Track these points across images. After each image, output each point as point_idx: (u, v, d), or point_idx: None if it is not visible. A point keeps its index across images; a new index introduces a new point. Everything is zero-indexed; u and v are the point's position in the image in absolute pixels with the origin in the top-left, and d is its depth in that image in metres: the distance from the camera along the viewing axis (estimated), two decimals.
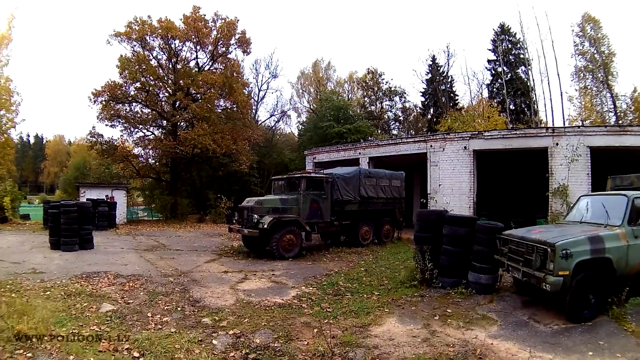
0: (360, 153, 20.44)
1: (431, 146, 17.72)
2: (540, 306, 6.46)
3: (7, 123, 25.63)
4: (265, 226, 11.21)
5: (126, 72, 24.59)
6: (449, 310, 6.37)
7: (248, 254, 12.43)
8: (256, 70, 43.18)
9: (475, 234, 7.59)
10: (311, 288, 8.02)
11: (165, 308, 6.37)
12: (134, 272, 9.24)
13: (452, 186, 17.00)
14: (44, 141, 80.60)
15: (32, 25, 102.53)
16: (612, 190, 8.11)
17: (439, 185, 17.35)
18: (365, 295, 7.42)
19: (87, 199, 20.45)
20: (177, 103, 26.50)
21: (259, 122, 40.58)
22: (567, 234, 6.04)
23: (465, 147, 16.75)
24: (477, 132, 17.19)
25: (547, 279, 5.58)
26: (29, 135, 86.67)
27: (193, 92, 26.76)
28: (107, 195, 22.88)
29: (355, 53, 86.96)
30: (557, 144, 14.64)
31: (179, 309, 6.33)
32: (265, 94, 42.83)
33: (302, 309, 6.50)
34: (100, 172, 30.58)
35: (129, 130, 27.40)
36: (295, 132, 45.22)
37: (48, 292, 7.08)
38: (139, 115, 27.32)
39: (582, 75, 36.83)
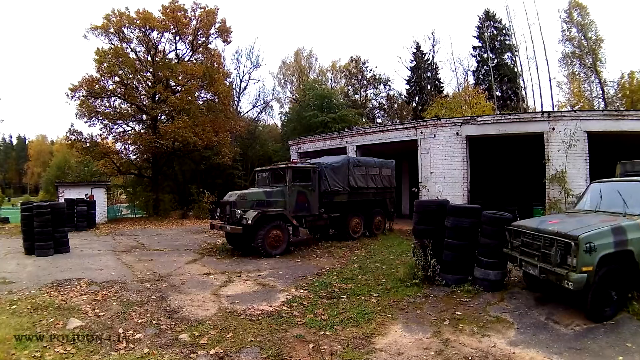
0: (347, 142, 19.72)
1: (421, 133, 17.10)
2: (555, 303, 5.91)
3: None
4: (249, 222, 10.42)
5: (104, 65, 23.32)
6: (459, 313, 5.74)
7: (232, 252, 11.67)
8: (237, 60, 42.15)
9: (482, 225, 6.97)
10: (302, 291, 7.31)
11: (139, 322, 5.62)
12: (109, 278, 8.46)
13: (444, 174, 16.45)
14: (27, 142, 78.44)
15: (10, 23, 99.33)
16: (622, 177, 7.51)
17: (431, 173, 16.78)
18: (363, 298, 6.74)
19: (66, 199, 19.53)
20: (157, 96, 25.44)
21: (242, 114, 39.52)
22: (587, 224, 5.44)
23: (457, 133, 16.19)
24: (469, 118, 16.62)
25: (570, 277, 4.99)
26: (11, 137, 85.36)
27: (173, 84, 25.64)
28: (86, 194, 21.83)
29: (337, 41, 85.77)
30: (553, 129, 14.11)
31: (154, 322, 5.58)
32: (247, 85, 41.71)
33: (294, 317, 5.78)
34: (79, 170, 29.29)
35: (108, 128, 26.09)
36: (279, 123, 44.31)
37: (14, 306, 6.37)
38: (118, 111, 26.09)
39: (569, 61, 36.60)
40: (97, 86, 23.83)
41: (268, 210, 11.11)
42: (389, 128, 18.91)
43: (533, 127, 14.67)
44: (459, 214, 7.22)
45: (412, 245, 7.96)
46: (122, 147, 26.87)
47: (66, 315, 5.90)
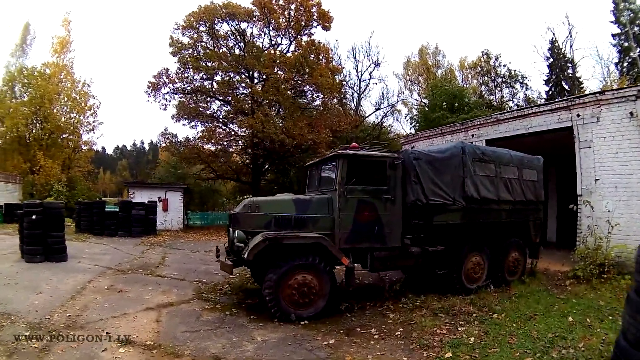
0: (473, 135, 13.40)
1: (578, 115, 10.13)
2: None
3: (85, 125, 27.44)
4: (246, 255, 5.47)
5: (183, 56, 21.19)
6: None
7: (244, 298, 6.92)
8: (354, 58, 37.71)
9: None
10: None
11: None
12: (18, 310, 5.57)
13: (615, 181, 9.36)
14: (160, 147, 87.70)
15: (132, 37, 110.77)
16: None
17: (595, 180, 9.70)
18: None
19: (121, 201, 18.18)
20: (252, 95, 22.25)
21: (365, 117, 35.09)
22: None
23: (631, 114, 9.13)
24: None
25: None
26: (142, 142, 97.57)
27: (265, 76, 22.31)
28: (159, 197, 19.80)
29: (463, 34, 75.13)
30: None
31: None
32: (367, 85, 36.58)
33: None
34: (165, 172, 28.04)
35: (210, 131, 23.74)
36: (407, 129, 38.56)
37: None
38: (220, 113, 24.06)
39: None
40: (185, 83, 21.94)
41: (292, 235, 5.93)
42: (531, 111, 11.99)
43: None
44: None
45: None
46: (219, 150, 24.27)
47: None
